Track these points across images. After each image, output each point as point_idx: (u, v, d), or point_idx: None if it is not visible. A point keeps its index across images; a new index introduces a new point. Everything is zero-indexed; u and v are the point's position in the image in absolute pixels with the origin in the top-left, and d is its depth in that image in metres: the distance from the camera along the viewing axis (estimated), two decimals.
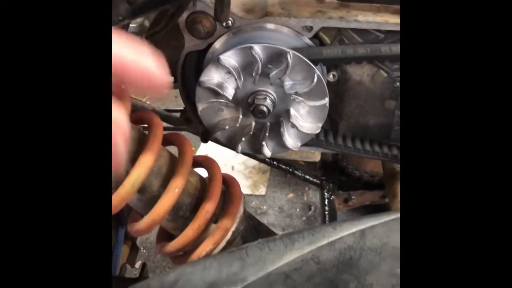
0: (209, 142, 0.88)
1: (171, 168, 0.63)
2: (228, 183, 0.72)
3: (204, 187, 0.68)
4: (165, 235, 0.71)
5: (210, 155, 1.81)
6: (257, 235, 0.69)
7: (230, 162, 1.92)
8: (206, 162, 0.73)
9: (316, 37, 0.76)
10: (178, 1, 0.53)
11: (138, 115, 0.67)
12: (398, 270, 0.34)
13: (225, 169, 1.87)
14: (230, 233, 0.65)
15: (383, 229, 0.37)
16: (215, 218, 0.67)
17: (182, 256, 0.68)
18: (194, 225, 0.63)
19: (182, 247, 0.65)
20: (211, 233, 0.64)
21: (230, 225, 0.64)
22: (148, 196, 0.62)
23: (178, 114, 1.11)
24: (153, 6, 0.51)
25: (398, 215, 0.39)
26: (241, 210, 0.68)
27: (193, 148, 0.69)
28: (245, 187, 1.83)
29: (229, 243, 0.65)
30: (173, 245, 0.65)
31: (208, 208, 0.63)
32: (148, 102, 1.71)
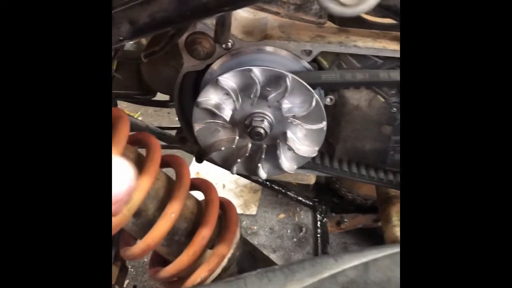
0: None
1: (168, 191, 0.62)
2: (225, 207, 0.70)
3: (200, 211, 0.67)
4: (159, 260, 0.70)
5: (201, 172, 1.80)
6: (252, 261, 0.67)
7: (221, 180, 1.90)
8: (203, 185, 0.72)
9: (314, 61, 0.76)
10: (180, 23, 0.53)
11: (134, 136, 0.66)
12: None
13: (216, 187, 1.84)
14: (226, 260, 0.63)
15: (386, 262, 0.37)
16: (211, 243, 0.66)
17: (176, 282, 0.67)
18: (189, 251, 0.61)
19: (176, 273, 0.63)
20: (207, 260, 0.63)
21: (226, 252, 0.63)
22: (143, 220, 0.61)
23: (171, 132, 1.10)
24: (155, 27, 0.50)
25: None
26: (238, 235, 0.67)
27: None
28: (236, 206, 1.81)
29: (225, 270, 0.64)
30: (167, 271, 0.63)
31: (204, 233, 0.61)
32: (140, 119, 1.70)
